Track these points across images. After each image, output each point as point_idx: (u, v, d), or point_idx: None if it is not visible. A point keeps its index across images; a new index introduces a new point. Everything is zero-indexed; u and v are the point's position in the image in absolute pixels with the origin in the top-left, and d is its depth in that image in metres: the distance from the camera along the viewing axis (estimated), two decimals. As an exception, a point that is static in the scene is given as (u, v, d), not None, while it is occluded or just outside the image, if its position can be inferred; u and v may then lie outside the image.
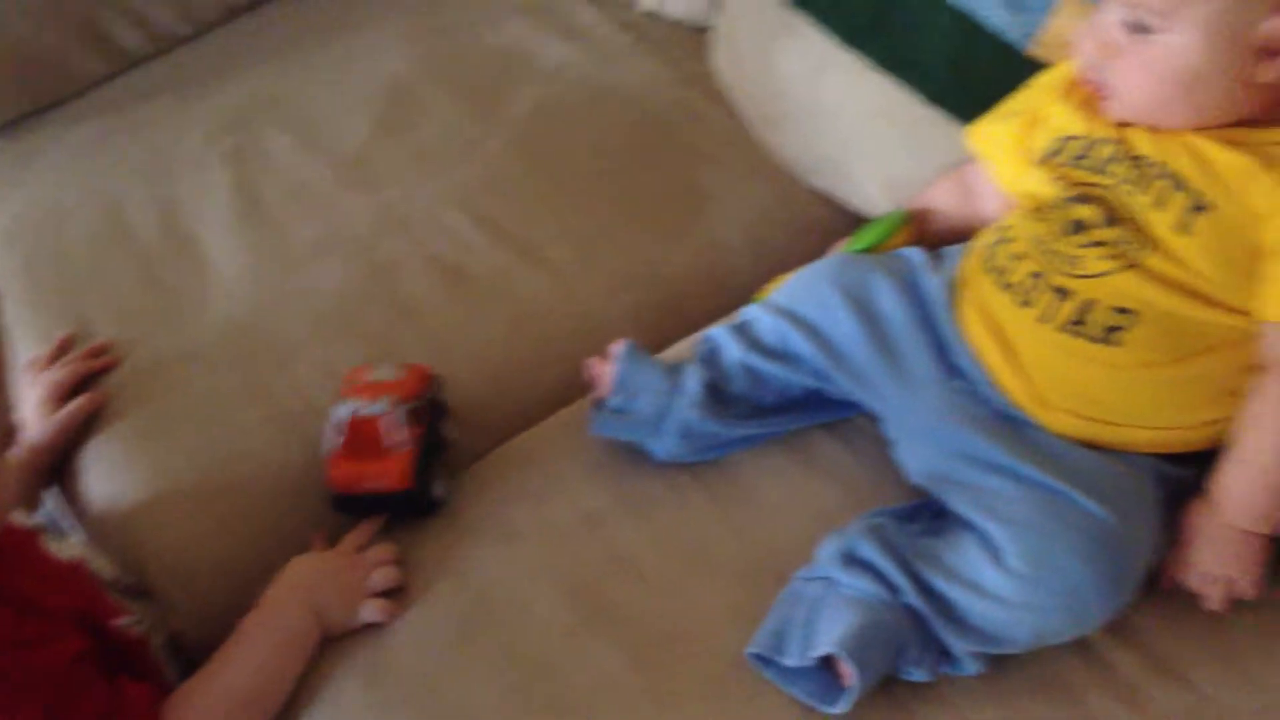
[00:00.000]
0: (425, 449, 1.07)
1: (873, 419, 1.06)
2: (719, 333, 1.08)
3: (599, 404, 1.08)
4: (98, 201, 1.35)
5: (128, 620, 0.98)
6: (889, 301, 1.02)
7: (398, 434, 1.05)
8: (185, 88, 1.46)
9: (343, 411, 1.05)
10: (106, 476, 1.15)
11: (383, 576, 1.04)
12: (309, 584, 1.03)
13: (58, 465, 1.17)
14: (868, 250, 1.11)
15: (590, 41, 1.46)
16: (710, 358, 1.07)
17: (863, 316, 1.02)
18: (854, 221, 1.29)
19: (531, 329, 1.22)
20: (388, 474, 1.05)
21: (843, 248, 1.14)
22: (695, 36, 1.46)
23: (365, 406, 1.05)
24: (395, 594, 1.04)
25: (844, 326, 1.02)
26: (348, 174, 1.35)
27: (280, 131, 1.39)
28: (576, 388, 1.16)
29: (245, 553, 1.09)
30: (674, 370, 1.07)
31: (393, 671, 1.00)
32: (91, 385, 1.19)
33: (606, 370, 1.08)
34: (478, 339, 1.20)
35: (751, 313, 1.08)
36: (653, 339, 1.16)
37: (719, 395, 1.05)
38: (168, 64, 1.50)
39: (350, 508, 1.08)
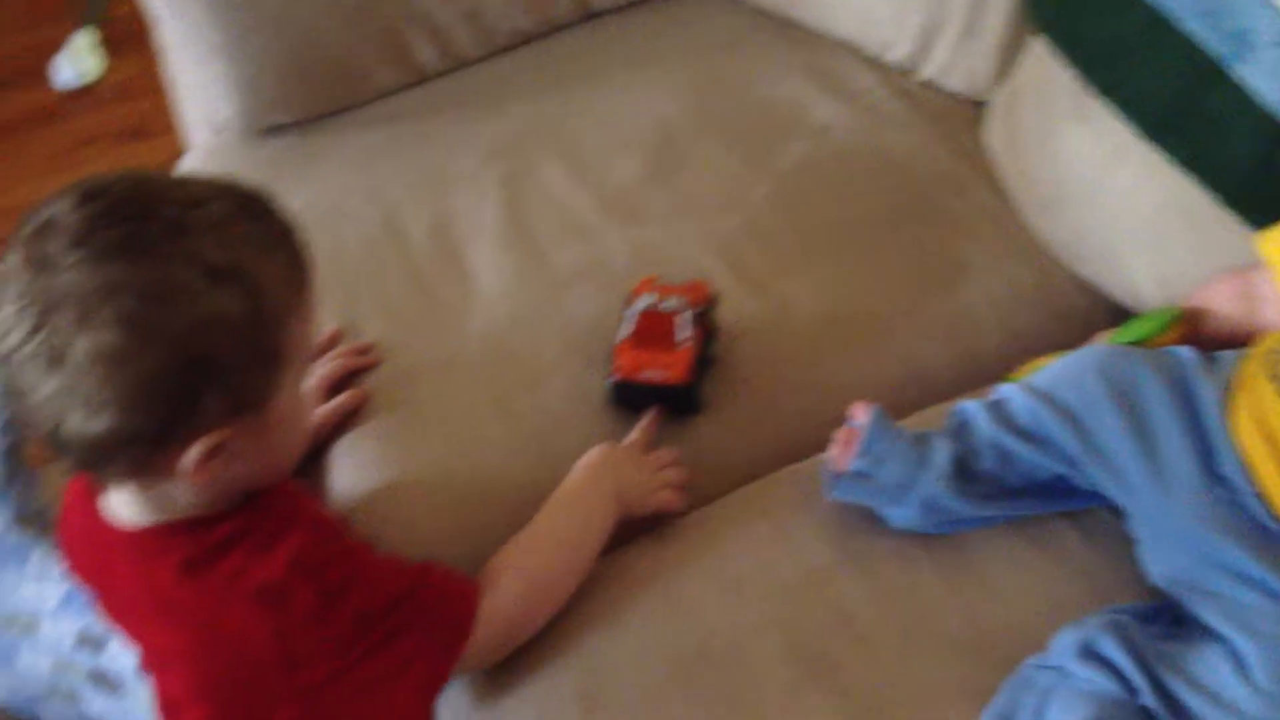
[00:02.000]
0: (699, 353, 1.16)
1: (1117, 513, 1.04)
2: (970, 407, 1.07)
3: (838, 466, 1.08)
4: (376, 207, 1.41)
5: None
6: (1156, 400, 1.00)
7: (685, 331, 1.15)
8: (469, 108, 1.52)
9: (638, 305, 1.17)
10: (355, 471, 1.20)
11: (673, 474, 1.14)
12: (608, 466, 1.12)
13: (311, 454, 1.23)
14: (1136, 344, 1.09)
15: (864, 104, 1.47)
16: (959, 431, 1.06)
17: (1126, 411, 1.00)
18: (1114, 312, 1.27)
19: (767, 382, 1.23)
20: (672, 365, 1.15)
21: (1109, 338, 1.12)
22: (971, 110, 1.46)
23: (660, 302, 1.16)
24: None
25: (1105, 418, 1.00)
26: (613, 208, 1.38)
27: (553, 160, 1.44)
28: (810, 444, 1.17)
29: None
30: (921, 440, 1.06)
31: (608, 700, 1.02)
32: (354, 382, 1.25)
33: (850, 433, 1.08)
34: (717, 384, 1.22)
35: (1007, 391, 1.07)
36: (891, 404, 1.16)
37: (965, 471, 1.04)
38: (456, 83, 1.56)
39: (627, 397, 1.17)
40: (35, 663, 1.39)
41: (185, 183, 0.90)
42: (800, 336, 1.26)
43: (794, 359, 1.25)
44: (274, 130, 1.53)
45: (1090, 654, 0.92)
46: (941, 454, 1.04)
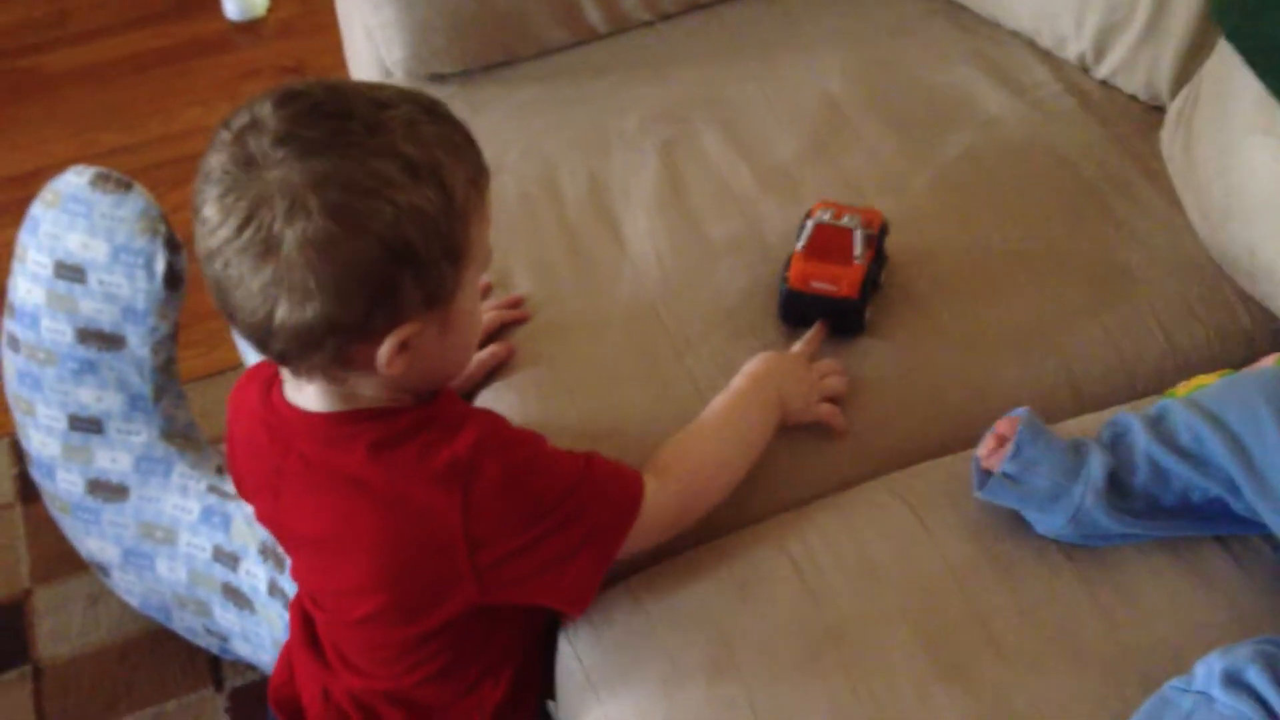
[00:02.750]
0: (869, 273, 1.19)
1: (1272, 542, 1.02)
2: (1128, 419, 1.05)
3: (987, 465, 1.06)
4: (534, 163, 1.42)
5: None
6: (1326, 430, 0.97)
7: (857, 249, 1.17)
8: (633, 70, 1.52)
9: (814, 218, 1.20)
10: (498, 420, 1.21)
11: (833, 385, 1.17)
12: (773, 372, 1.15)
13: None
14: (1307, 370, 1.06)
15: (1034, 99, 1.44)
16: (1114, 443, 1.04)
17: (1293, 439, 0.97)
18: (1281, 335, 1.24)
19: (920, 377, 1.22)
20: (841, 279, 1.18)
21: (1277, 361, 1.09)
22: (1146, 113, 1.42)
23: (835, 218, 1.17)
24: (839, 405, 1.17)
25: (1271, 446, 0.97)
26: (771, 182, 1.37)
27: (714, 129, 1.43)
28: (959, 440, 1.15)
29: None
30: (1076, 449, 1.04)
31: (737, 672, 1.02)
32: (502, 335, 1.26)
33: (1000, 435, 1.06)
34: (866, 372, 1.21)
35: (1168, 406, 1.04)
36: (1043, 407, 1.14)
37: (1118, 485, 1.02)
38: (622, 45, 1.56)
39: (794, 308, 1.20)
40: (171, 572, 1.44)
41: (374, 87, 0.93)
42: (941, 330, 1.25)
43: (939, 350, 1.23)
44: (438, 78, 1.55)
45: (1236, 682, 0.90)
46: (1096, 466, 1.02)
